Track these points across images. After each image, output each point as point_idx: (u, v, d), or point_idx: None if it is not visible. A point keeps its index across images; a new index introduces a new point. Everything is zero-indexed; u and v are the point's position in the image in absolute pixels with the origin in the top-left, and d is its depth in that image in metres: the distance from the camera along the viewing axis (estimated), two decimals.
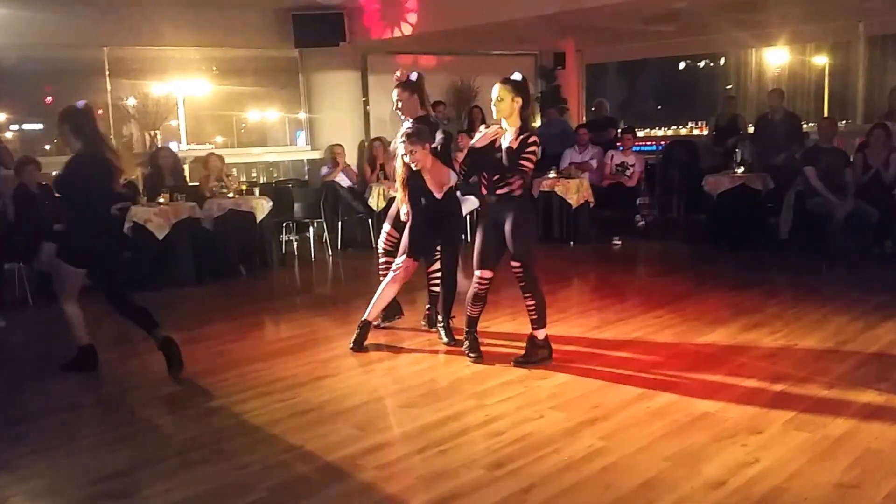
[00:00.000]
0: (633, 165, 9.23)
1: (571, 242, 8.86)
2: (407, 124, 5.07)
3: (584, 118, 11.81)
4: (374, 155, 9.50)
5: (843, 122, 9.61)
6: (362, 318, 5.10)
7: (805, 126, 9.42)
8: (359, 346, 5.02)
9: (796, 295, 6.25)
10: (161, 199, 7.52)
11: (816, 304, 5.81)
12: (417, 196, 5.01)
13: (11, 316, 6.38)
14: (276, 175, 11.11)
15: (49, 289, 5.47)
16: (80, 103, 4.68)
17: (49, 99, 10.30)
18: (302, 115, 10.58)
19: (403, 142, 4.89)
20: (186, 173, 9.15)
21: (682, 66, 12.71)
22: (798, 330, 5.19)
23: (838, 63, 10.24)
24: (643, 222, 9.36)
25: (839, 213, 7.33)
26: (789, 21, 9.38)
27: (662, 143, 11.03)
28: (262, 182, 10.32)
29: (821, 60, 10.43)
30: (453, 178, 5.10)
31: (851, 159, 7.69)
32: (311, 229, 8.91)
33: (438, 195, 5.02)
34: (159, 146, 8.94)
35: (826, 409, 3.80)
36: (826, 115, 9.72)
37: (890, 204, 7.32)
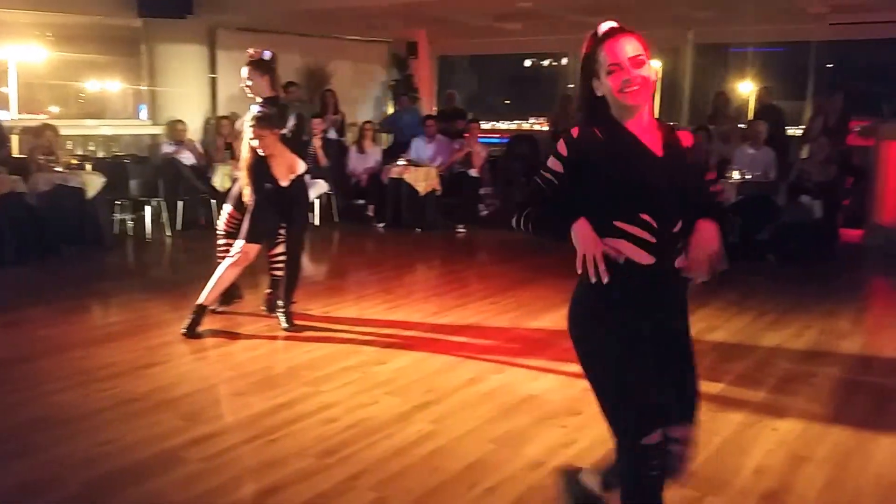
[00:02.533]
0: (478, 153, 9.45)
1: (418, 229, 8.98)
2: (255, 107, 4.92)
3: (436, 108, 11.96)
4: (220, 133, 9.20)
5: (671, 123, 10.26)
6: (197, 302, 4.94)
7: None
8: (192, 332, 4.85)
9: None
10: None
11: None
12: (262, 181, 4.88)
13: None
14: (115, 149, 10.51)
15: None
16: None
17: None
18: (144, 88, 10.04)
19: (252, 126, 4.75)
20: (15, 144, 8.48)
21: (527, 63, 13.14)
22: None
23: (669, 68, 10.93)
24: (486, 212, 9.63)
25: None
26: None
27: (508, 136, 11.37)
28: (100, 156, 9.72)
29: (654, 64, 11.10)
30: (301, 167, 5.00)
31: None
32: (147, 208, 8.49)
33: (284, 182, 4.91)
34: None
35: None
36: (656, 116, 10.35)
37: None
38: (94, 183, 7.58)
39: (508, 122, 12.97)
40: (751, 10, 8.62)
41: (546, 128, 11.34)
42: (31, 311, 5.49)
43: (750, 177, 7.78)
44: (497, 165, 10.14)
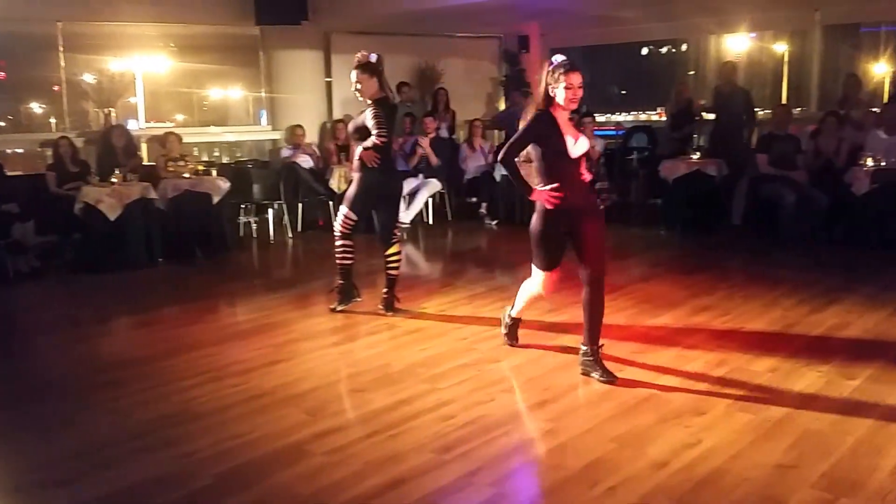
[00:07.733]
0: (592, 147, 9.25)
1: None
2: (368, 110, 5.09)
3: None
4: (335, 136, 9.46)
5: (799, 108, 9.76)
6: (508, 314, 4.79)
7: (760, 113, 9.56)
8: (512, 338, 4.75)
9: (746, 279, 6.38)
10: (114, 179, 7.37)
11: (765, 287, 5.92)
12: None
13: None
14: (239, 155, 10.98)
15: None
16: None
17: (1, 74, 10.04)
18: (263, 95, 10.44)
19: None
20: (144, 152, 8.99)
21: (644, 51, 12.76)
22: (746, 313, 5.29)
23: (796, 51, 10.38)
24: (602, 207, 9.41)
25: (789, 197, 7.47)
26: (749, 8, 9.48)
27: (624, 128, 11.11)
28: (224, 162, 10.17)
29: (780, 48, 10.57)
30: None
31: (804, 146, 7.84)
32: (270, 211, 8.82)
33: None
34: (113, 124, 8.76)
35: (769, 392, 3.89)
36: (784, 101, 9.85)
37: (839, 190, 7.47)
38: (219, 188, 7.92)
39: (625, 114, 12.67)
40: None
41: (664, 118, 10.98)
42: (163, 312, 5.80)
43: (884, 164, 7.29)
44: (613, 158, 9.93)
